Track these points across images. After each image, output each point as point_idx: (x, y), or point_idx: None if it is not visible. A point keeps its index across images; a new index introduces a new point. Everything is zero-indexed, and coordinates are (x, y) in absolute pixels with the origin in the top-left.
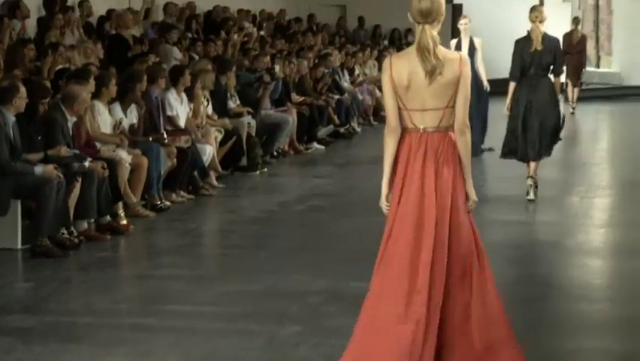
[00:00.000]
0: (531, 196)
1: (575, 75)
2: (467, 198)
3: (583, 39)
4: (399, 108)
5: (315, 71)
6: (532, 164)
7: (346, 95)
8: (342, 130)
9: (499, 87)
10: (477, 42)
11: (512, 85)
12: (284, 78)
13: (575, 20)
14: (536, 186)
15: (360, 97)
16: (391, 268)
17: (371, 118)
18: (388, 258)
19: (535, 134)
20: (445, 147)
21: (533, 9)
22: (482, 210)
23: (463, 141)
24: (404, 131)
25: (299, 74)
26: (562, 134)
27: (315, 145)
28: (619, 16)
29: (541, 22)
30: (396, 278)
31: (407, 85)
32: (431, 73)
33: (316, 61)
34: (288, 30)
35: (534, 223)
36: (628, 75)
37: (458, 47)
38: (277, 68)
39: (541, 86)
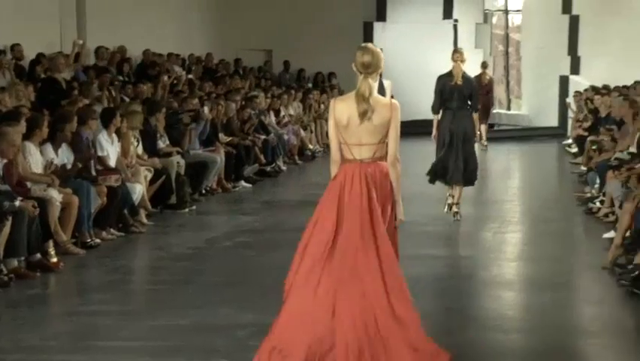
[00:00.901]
0: (455, 209)
1: (484, 114)
2: (395, 217)
3: (490, 81)
4: (340, 142)
5: (243, 113)
6: (458, 189)
7: (272, 135)
8: (268, 169)
9: (420, 128)
10: (386, 84)
11: (435, 117)
12: (212, 119)
13: (484, 64)
14: (457, 211)
15: (285, 137)
16: (308, 257)
17: (296, 157)
18: (310, 246)
19: (461, 160)
20: (377, 174)
21: (455, 51)
22: (403, 245)
23: (394, 171)
24: (345, 160)
25: (227, 116)
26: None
27: (243, 183)
28: (527, 62)
29: (462, 62)
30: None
31: (346, 124)
32: (363, 115)
33: (243, 103)
34: (215, 73)
35: (451, 257)
36: (536, 117)
37: None
38: (206, 109)
39: (462, 116)
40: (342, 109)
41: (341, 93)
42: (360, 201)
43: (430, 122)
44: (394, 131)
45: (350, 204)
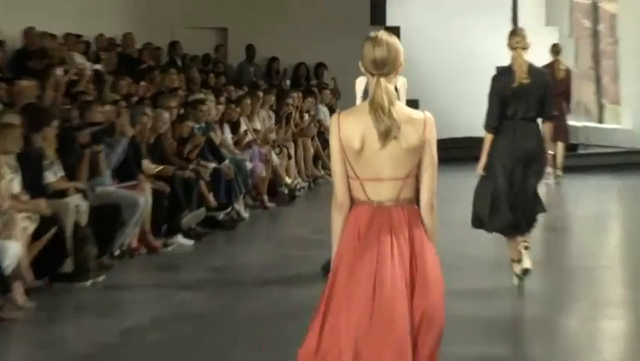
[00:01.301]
0: (526, 265)
1: (560, 127)
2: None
3: (568, 76)
4: (348, 177)
5: (180, 127)
6: (518, 239)
7: (227, 162)
8: (220, 216)
9: (457, 151)
10: (399, 83)
11: (489, 137)
12: (133, 138)
13: (555, 49)
14: (528, 268)
15: (248, 165)
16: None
17: (265, 198)
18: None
19: (521, 199)
20: (404, 224)
21: (514, 33)
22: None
23: (430, 221)
24: (354, 204)
25: (155, 132)
26: (545, 216)
27: (180, 239)
28: (628, 47)
29: (524, 49)
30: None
31: (359, 149)
32: (384, 135)
33: (182, 111)
34: (138, 65)
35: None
36: None
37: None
38: (124, 121)
39: (527, 132)
40: (352, 128)
41: (336, 95)
42: (370, 267)
43: (475, 141)
44: (430, 161)
45: (359, 273)
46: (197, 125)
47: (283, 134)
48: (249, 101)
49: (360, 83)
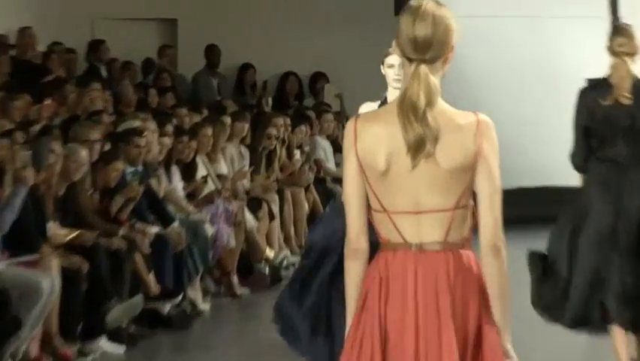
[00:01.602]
0: None
1: None
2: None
3: None
4: (371, 209)
5: (105, 172)
6: (621, 337)
7: (176, 225)
8: (166, 309)
9: (524, 208)
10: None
11: (582, 179)
12: (33, 188)
13: None
14: None
15: (208, 230)
16: None
17: (234, 280)
18: None
19: (628, 274)
20: (457, 279)
21: (618, 32)
22: None
23: (496, 265)
24: (382, 248)
25: (66, 179)
26: None
27: (104, 344)
28: None
29: (631, 55)
30: None
31: (384, 169)
32: (415, 149)
33: (107, 147)
34: (42, 75)
35: None
36: None
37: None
38: (18, 163)
39: (632, 177)
40: (374, 138)
41: (342, 122)
42: (409, 349)
43: (552, 193)
44: (489, 183)
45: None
46: (131, 169)
47: (262, 182)
48: (209, 131)
49: (367, 110)
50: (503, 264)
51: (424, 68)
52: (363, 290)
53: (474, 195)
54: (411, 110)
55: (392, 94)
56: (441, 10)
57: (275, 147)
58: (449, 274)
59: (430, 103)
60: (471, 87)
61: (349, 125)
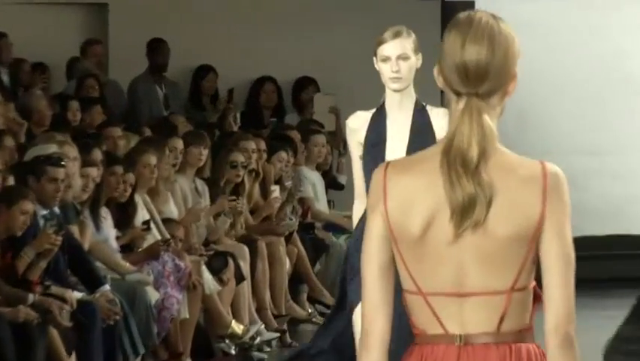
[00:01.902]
0: None
1: None
2: None
3: None
4: (403, 290)
5: (9, 215)
6: None
7: (107, 288)
8: None
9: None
10: (434, 114)
11: None
12: None
13: None
14: None
15: (150, 296)
16: None
17: None
18: None
19: None
20: None
21: None
22: None
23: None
24: (417, 342)
25: None
26: None
27: None
28: None
29: None
30: None
31: (419, 234)
32: (463, 212)
33: (10, 181)
34: None
35: None
36: None
37: (380, 125)
38: None
39: None
40: (408, 192)
41: (338, 147)
42: None
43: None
44: (559, 255)
45: None
46: (45, 212)
47: (226, 230)
48: (152, 159)
49: (354, 125)
50: (575, 356)
51: (477, 104)
52: None
53: (537, 271)
54: (460, 163)
55: (390, 98)
56: (500, 26)
57: (243, 181)
58: None
59: (484, 153)
60: (522, 96)
61: (377, 176)
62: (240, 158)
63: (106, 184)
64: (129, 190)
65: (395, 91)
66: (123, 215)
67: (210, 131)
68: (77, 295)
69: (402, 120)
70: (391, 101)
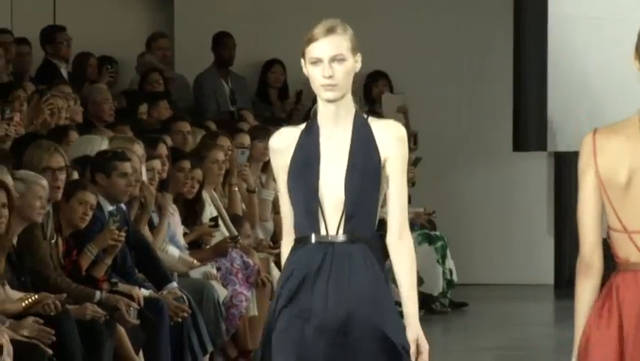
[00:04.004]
0: None
1: None
2: None
3: None
4: (610, 229)
5: (69, 208)
6: None
7: (174, 285)
8: None
9: None
10: (377, 126)
11: None
12: None
13: None
14: None
15: (218, 293)
16: None
17: None
18: None
19: None
20: None
21: None
22: None
23: None
24: (618, 270)
25: (22, 223)
26: None
27: None
28: None
29: None
30: None
31: (626, 183)
32: None
33: (75, 175)
34: None
35: None
36: None
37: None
38: None
39: None
40: (616, 151)
41: (408, 140)
42: None
43: None
44: None
45: None
46: (110, 208)
47: None
48: (221, 154)
49: (279, 145)
50: None
51: None
52: (594, 317)
53: None
54: None
55: (324, 109)
56: None
57: None
58: None
59: None
60: (595, 98)
61: (587, 140)
62: None
63: (173, 180)
64: (197, 186)
65: (329, 101)
66: (191, 212)
67: (278, 127)
68: (145, 292)
69: (339, 136)
70: (325, 113)
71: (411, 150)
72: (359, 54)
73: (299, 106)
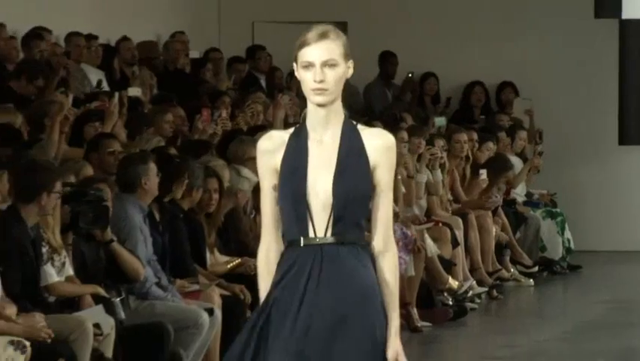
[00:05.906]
0: None
1: None
2: None
3: None
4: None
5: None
6: None
7: None
8: None
9: None
10: (366, 134)
11: None
12: (188, 213)
13: None
14: None
15: None
16: None
17: (414, 313)
18: None
19: None
20: None
21: None
22: None
23: None
24: None
25: (231, 203)
26: None
27: None
28: None
29: None
30: None
31: None
32: None
33: None
34: (195, 85)
35: None
36: None
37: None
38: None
39: None
40: None
41: (534, 140)
42: None
43: None
44: None
45: None
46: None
47: (443, 204)
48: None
49: (267, 147)
50: None
51: None
52: None
53: None
54: None
55: (314, 114)
56: None
57: (461, 162)
58: None
59: None
60: None
61: None
62: (457, 145)
63: None
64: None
65: (319, 106)
66: None
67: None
68: None
69: (328, 142)
70: (315, 118)
71: (537, 143)
72: (351, 60)
73: (447, 110)
